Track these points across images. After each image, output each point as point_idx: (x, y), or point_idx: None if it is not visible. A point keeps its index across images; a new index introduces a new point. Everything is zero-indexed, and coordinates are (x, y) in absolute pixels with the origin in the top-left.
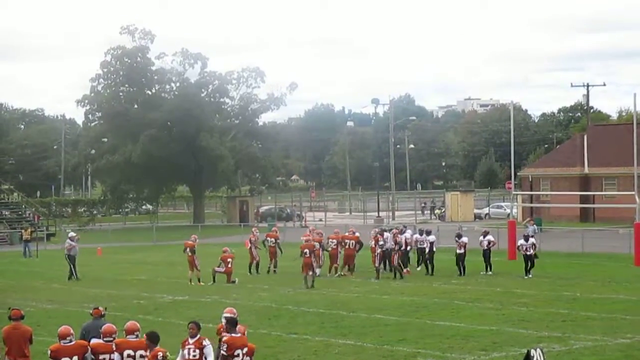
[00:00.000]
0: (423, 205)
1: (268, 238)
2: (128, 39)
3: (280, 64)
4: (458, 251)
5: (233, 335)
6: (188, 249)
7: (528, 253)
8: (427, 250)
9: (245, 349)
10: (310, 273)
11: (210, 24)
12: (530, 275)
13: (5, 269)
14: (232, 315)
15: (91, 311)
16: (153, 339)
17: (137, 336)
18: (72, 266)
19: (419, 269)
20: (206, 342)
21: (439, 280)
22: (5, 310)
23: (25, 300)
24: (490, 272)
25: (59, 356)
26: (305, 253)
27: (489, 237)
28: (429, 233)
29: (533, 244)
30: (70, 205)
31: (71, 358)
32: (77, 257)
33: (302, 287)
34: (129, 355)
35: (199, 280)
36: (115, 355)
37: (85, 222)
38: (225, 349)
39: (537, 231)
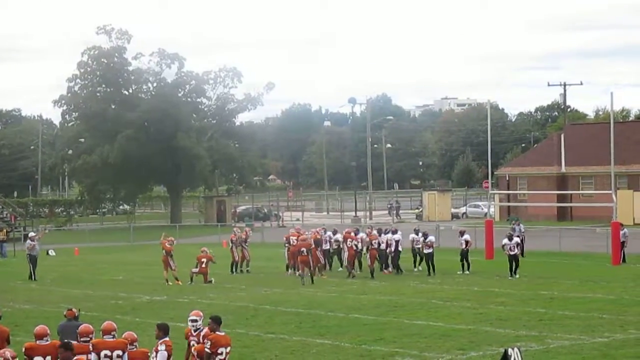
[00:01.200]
0: (389, 206)
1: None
2: (105, 39)
3: (257, 64)
4: (426, 251)
5: (217, 333)
6: (164, 251)
7: (512, 253)
8: (392, 249)
9: (229, 348)
10: (306, 271)
11: (186, 25)
12: (516, 276)
13: None
14: (218, 315)
15: (65, 312)
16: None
17: (113, 336)
18: (32, 266)
19: (416, 270)
20: (161, 347)
21: (416, 279)
22: None
23: (2, 301)
24: (467, 272)
25: (33, 354)
26: (302, 251)
27: (466, 236)
28: (394, 232)
29: (517, 244)
30: (48, 206)
31: (44, 357)
32: (38, 258)
33: (279, 287)
34: (106, 356)
35: (176, 279)
36: (92, 356)
37: (62, 222)
38: (208, 346)
39: (522, 230)
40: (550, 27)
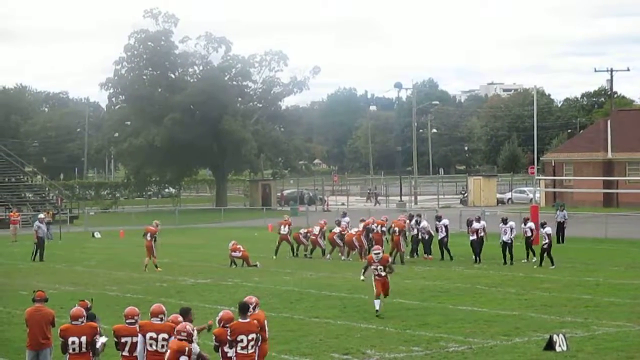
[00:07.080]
0: (369, 191)
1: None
2: (151, 22)
3: (303, 48)
4: (471, 237)
5: (240, 320)
6: (148, 234)
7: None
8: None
9: (252, 335)
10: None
11: (233, 8)
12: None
13: (29, 251)
14: (244, 301)
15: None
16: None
17: (161, 319)
18: (38, 247)
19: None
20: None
21: (461, 265)
22: (29, 292)
23: (48, 283)
24: (524, 260)
25: (67, 335)
26: (395, 231)
27: (530, 224)
28: (439, 218)
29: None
30: (94, 188)
31: (79, 338)
32: (46, 239)
33: (324, 272)
34: (151, 338)
35: (156, 267)
36: (139, 337)
37: (108, 204)
38: (229, 334)
39: (566, 217)
40: (597, 13)
